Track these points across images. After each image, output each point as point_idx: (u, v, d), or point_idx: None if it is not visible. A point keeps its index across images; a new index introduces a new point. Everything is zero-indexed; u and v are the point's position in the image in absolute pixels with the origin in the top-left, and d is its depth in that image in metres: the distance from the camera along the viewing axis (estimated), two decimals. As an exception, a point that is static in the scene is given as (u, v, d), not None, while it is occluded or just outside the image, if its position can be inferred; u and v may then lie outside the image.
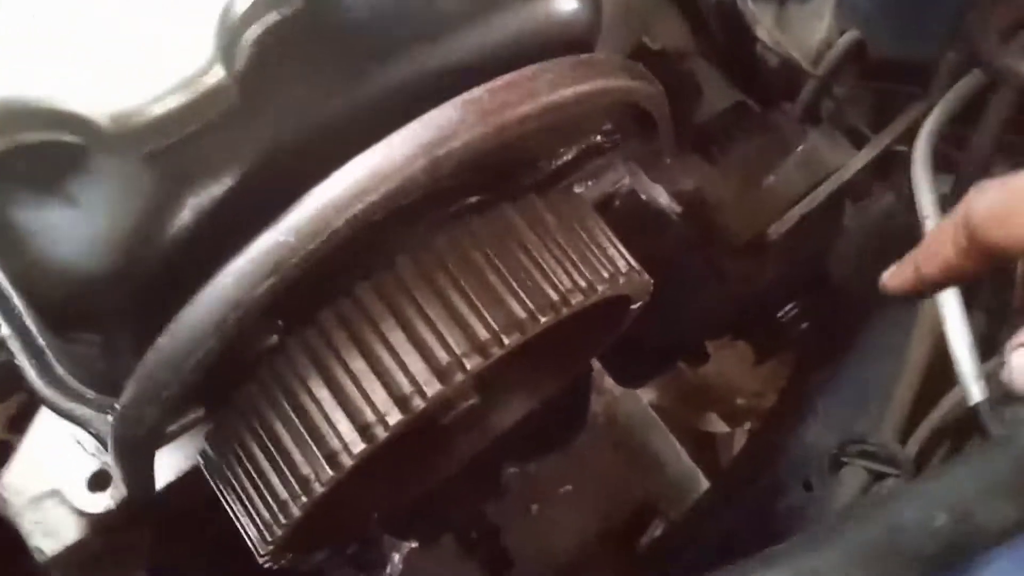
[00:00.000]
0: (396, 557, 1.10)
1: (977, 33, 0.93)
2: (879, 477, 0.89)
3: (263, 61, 0.35)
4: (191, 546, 0.63)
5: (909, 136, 0.96)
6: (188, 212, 0.37)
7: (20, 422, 0.87)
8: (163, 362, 0.36)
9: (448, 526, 1.09)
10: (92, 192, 0.36)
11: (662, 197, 0.80)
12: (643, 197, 0.63)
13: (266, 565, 0.49)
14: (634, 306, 0.55)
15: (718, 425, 1.54)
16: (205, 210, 0.36)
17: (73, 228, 0.36)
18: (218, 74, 0.32)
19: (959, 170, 1.00)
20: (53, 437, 0.51)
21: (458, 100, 0.37)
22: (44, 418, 0.52)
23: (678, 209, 0.79)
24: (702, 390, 1.52)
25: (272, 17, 0.35)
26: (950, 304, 0.76)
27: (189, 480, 0.51)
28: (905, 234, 0.90)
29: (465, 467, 0.87)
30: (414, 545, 1.09)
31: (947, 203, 0.94)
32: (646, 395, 1.51)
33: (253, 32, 0.35)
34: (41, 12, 0.33)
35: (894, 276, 0.61)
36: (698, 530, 1.15)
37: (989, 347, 0.83)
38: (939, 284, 0.60)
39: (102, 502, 0.50)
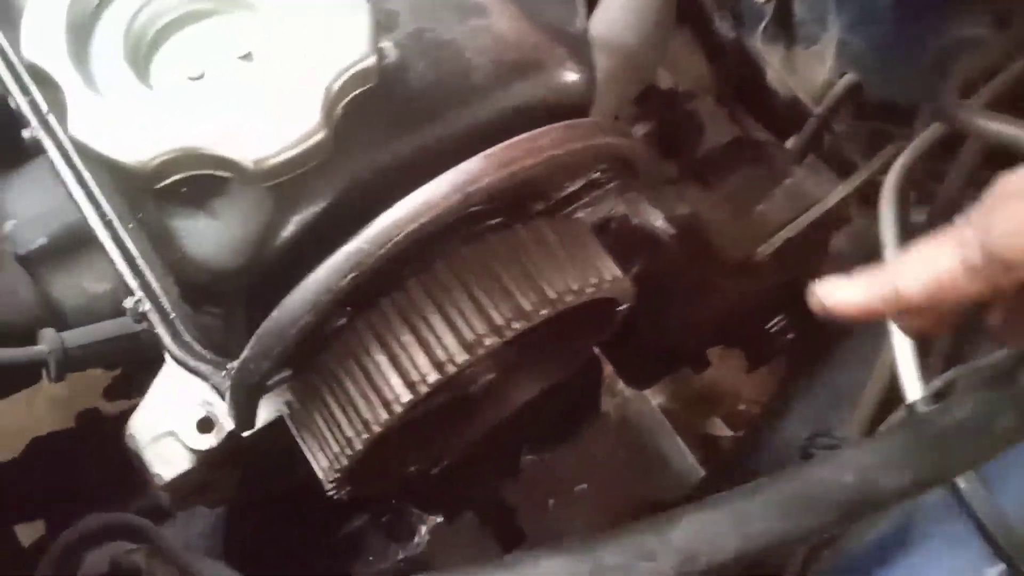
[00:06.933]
0: (423, 529, 1.20)
1: (937, 87, 1.05)
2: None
3: (349, 123, 0.51)
4: (266, 490, 0.78)
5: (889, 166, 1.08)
6: (292, 227, 0.52)
7: (112, 392, 1.03)
8: (275, 329, 0.51)
9: (470, 503, 1.22)
10: (230, 210, 0.51)
11: (658, 220, 0.92)
12: (634, 221, 0.77)
13: (330, 494, 0.64)
14: (621, 307, 0.70)
15: (722, 429, 1.65)
16: (304, 225, 0.52)
17: (214, 234, 0.52)
18: (322, 134, 0.48)
19: (933, 204, 1.12)
20: (169, 391, 0.67)
21: (483, 154, 0.52)
22: (162, 377, 0.68)
23: (672, 231, 0.92)
24: (707, 396, 1.62)
25: (356, 93, 0.51)
26: None
27: (269, 430, 0.66)
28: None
29: (487, 449, 1.02)
30: (439, 519, 1.21)
31: (920, 232, 1.06)
32: (656, 399, 1.62)
33: (343, 103, 0.50)
34: (212, 91, 0.49)
35: (849, 298, 0.53)
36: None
37: (948, 363, 0.95)
38: (916, 306, 0.51)
39: (207, 441, 0.64)
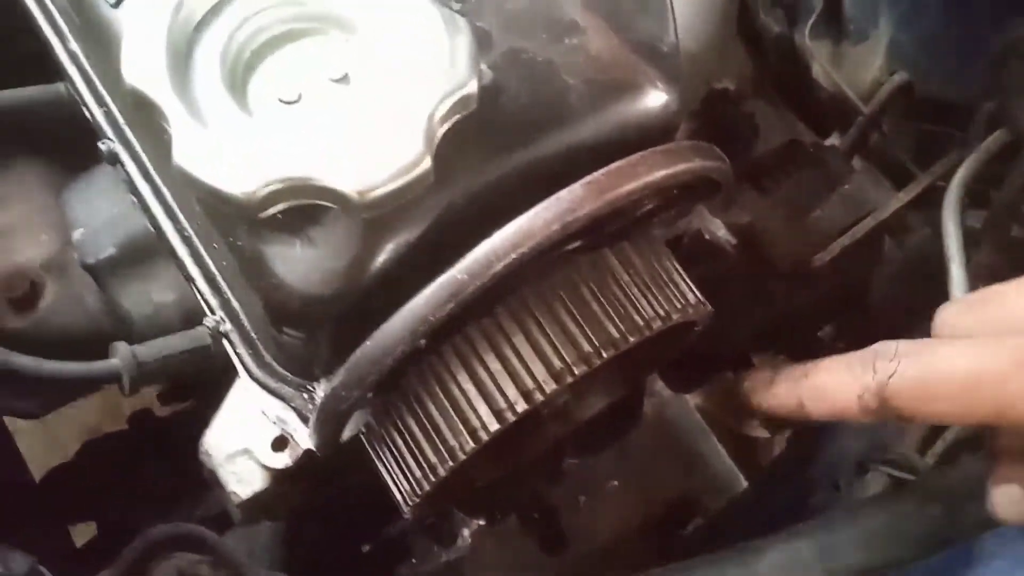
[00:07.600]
0: (466, 532, 1.20)
1: (1006, 92, 1.02)
2: (899, 482, 1.00)
3: (448, 149, 0.50)
4: (321, 500, 0.77)
5: (948, 174, 1.05)
6: (386, 255, 0.51)
7: (167, 397, 1.03)
8: (369, 358, 0.50)
9: (513, 507, 1.21)
10: (324, 237, 0.50)
11: (720, 231, 0.91)
12: (706, 236, 0.76)
13: (407, 516, 0.63)
14: (697, 328, 0.68)
15: (759, 431, 1.63)
16: (399, 254, 0.51)
17: (308, 261, 0.51)
18: (425, 164, 0.47)
19: (990, 209, 1.09)
20: (242, 409, 0.66)
21: (583, 180, 0.51)
22: (234, 394, 0.67)
23: (734, 241, 0.90)
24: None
25: (457, 118, 0.50)
26: None
27: (343, 446, 0.66)
28: (939, 266, 1.01)
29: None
30: (481, 522, 1.20)
31: (976, 237, 1.03)
32: (693, 399, 1.60)
33: (444, 129, 0.49)
34: (310, 116, 0.48)
35: (772, 399, 0.59)
36: (734, 523, 1.26)
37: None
38: (817, 421, 0.57)
39: (282, 460, 0.63)
